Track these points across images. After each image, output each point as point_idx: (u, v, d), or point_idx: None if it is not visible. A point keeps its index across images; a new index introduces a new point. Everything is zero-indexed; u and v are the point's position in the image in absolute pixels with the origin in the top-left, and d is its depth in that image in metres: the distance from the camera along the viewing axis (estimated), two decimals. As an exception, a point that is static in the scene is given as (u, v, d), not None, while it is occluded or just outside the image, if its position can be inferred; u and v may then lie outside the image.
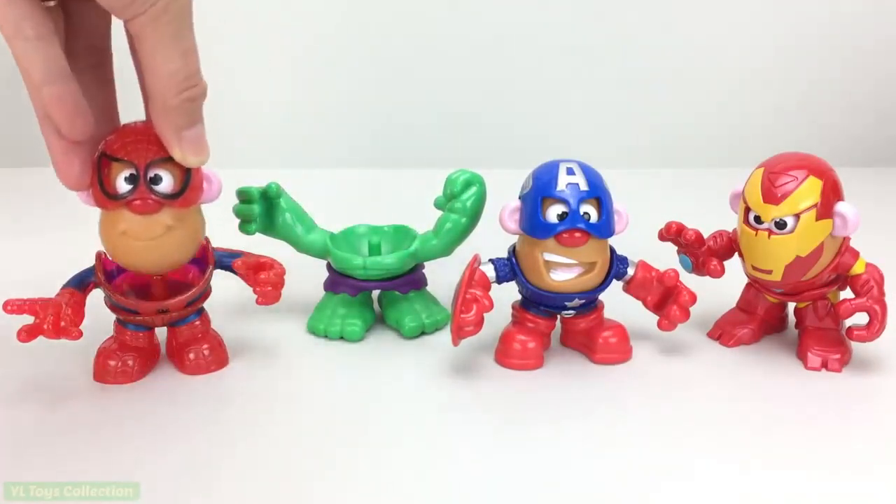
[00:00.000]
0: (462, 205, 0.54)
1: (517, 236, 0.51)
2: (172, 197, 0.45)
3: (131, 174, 0.44)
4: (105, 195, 0.44)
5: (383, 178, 1.06)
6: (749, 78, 1.13)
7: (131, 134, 0.45)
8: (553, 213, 0.48)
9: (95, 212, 0.46)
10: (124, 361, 0.49)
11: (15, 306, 0.46)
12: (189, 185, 0.45)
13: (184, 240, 0.46)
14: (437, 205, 0.56)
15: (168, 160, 0.45)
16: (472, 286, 0.49)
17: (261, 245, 0.54)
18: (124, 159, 0.44)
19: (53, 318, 0.45)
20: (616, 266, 0.52)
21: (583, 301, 0.51)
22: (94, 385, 0.49)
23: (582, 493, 0.39)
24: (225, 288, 0.52)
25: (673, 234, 0.56)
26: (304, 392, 0.49)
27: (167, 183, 0.45)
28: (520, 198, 0.50)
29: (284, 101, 1.16)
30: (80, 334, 0.45)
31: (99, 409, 0.46)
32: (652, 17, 1.11)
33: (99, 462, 0.41)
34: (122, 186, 0.44)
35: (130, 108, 0.48)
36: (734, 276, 0.55)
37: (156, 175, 0.44)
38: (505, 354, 0.52)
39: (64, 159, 0.44)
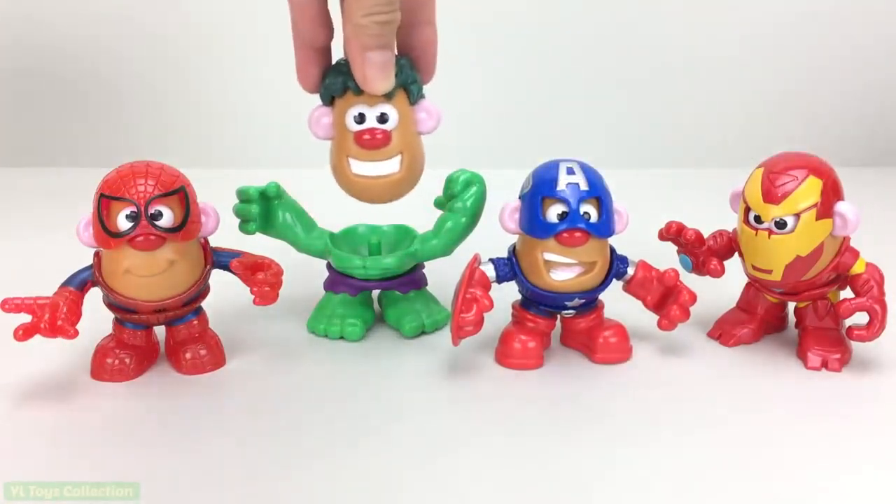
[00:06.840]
0: (462, 205, 0.54)
1: (517, 236, 0.51)
2: (174, 231, 0.46)
3: (132, 212, 0.45)
4: (107, 233, 0.45)
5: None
6: (749, 78, 1.13)
7: (130, 173, 0.46)
8: (553, 212, 0.48)
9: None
10: (121, 359, 0.49)
11: (13, 305, 0.46)
12: (189, 217, 0.46)
13: (186, 271, 0.48)
14: (437, 205, 0.56)
15: (167, 195, 0.45)
16: (472, 286, 0.49)
17: (261, 245, 0.54)
18: (124, 197, 0.45)
19: (50, 316, 0.45)
20: (616, 266, 0.52)
21: (583, 301, 0.51)
22: (93, 384, 0.49)
23: (582, 492, 0.39)
24: (227, 287, 0.52)
25: (673, 234, 0.56)
26: (304, 392, 0.49)
27: (167, 218, 0.46)
28: (520, 197, 0.50)
29: (284, 101, 1.15)
30: (77, 333, 0.46)
31: (99, 409, 0.46)
32: (652, 17, 1.11)
33: (99, 462, 0.41)
34: (124, 224, 0.45)
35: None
36: (734, 276, 0.55)
37: (156, 211, 0.45)
38: (505, 354, 0.52)
39: (305, 66, 0.50)
